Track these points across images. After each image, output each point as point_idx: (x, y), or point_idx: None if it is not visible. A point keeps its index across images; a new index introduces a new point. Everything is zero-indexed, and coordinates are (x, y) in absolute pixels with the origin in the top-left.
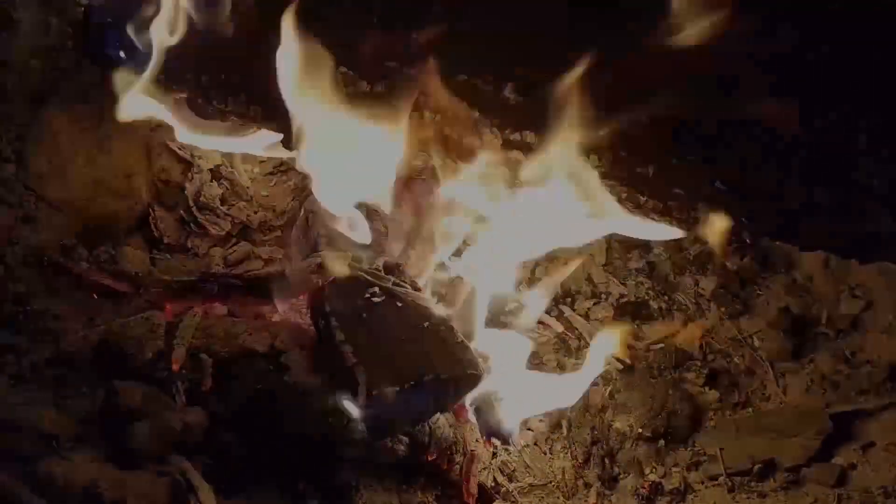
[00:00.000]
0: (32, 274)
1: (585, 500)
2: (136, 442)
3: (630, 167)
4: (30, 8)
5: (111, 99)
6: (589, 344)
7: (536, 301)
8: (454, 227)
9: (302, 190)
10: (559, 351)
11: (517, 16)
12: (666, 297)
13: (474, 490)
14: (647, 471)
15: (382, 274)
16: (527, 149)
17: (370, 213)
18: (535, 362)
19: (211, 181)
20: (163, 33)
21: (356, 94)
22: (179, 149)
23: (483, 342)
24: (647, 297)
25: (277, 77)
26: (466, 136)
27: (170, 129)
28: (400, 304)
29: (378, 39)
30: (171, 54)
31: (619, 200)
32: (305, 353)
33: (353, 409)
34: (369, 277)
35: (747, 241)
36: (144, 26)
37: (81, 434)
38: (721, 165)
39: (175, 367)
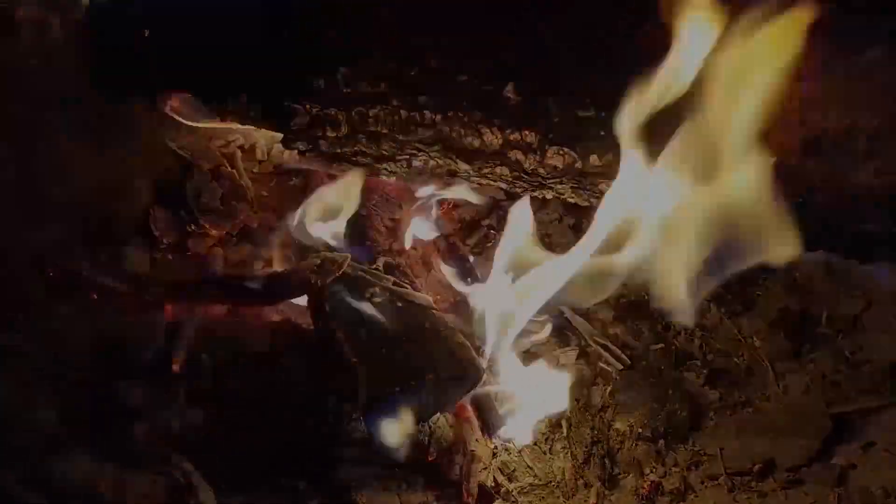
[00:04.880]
0: (32, 274)
1: (585, 500)
2: (136, 442)
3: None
4: (30, 8)
5: (112, 99)
6: (589, 343)
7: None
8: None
9: (302, 190)
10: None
11: None
12: None
13: (474, 490)
14: (647, 471)
15: (382, 274)
16: (528, 149)
17: (370, 214)
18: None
19: (211, 181)
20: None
21: None
22: (179, 149)
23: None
24: (647, 298)
25: None
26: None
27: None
28: (400, 304)
29: None
30: (172, 55)
31: None
32: (305, 353)
33: (353, 409)
34: (369, 277)
35: None
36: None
37: (81, 434)
38: None
39: (175, 367)
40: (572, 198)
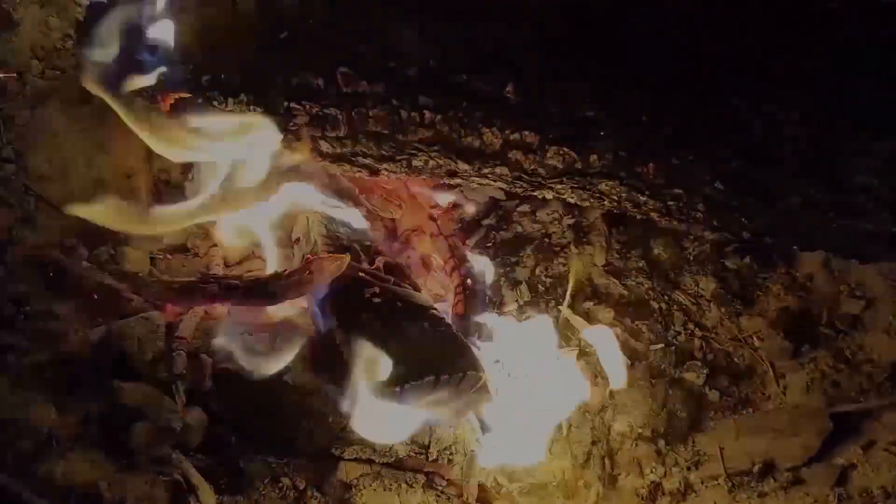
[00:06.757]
0: (32, 274)
1: (585, 501)
2: (136, 442)
3: (630, 167)
4: (30, 8)
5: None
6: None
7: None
8: None
9: None
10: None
11: None
12: (666, 297)
13: (474, 490)
14: (647, 471)
15: (382, 274)
16: (528, 149)
17: (371, 214)
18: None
19: None
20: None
21: None
22: None
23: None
24: (647, 297)
25: None
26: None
27: None
28: (400, 305)
29: None
30: (171, 54)
31: (619, 200)
32: (305, 352)
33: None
34: (369, 277)
35: (747, 241)
36: (143, 25)
37: (81, 434)
38: (721, 165)
39: (176, 367)
40: (572, 198)
